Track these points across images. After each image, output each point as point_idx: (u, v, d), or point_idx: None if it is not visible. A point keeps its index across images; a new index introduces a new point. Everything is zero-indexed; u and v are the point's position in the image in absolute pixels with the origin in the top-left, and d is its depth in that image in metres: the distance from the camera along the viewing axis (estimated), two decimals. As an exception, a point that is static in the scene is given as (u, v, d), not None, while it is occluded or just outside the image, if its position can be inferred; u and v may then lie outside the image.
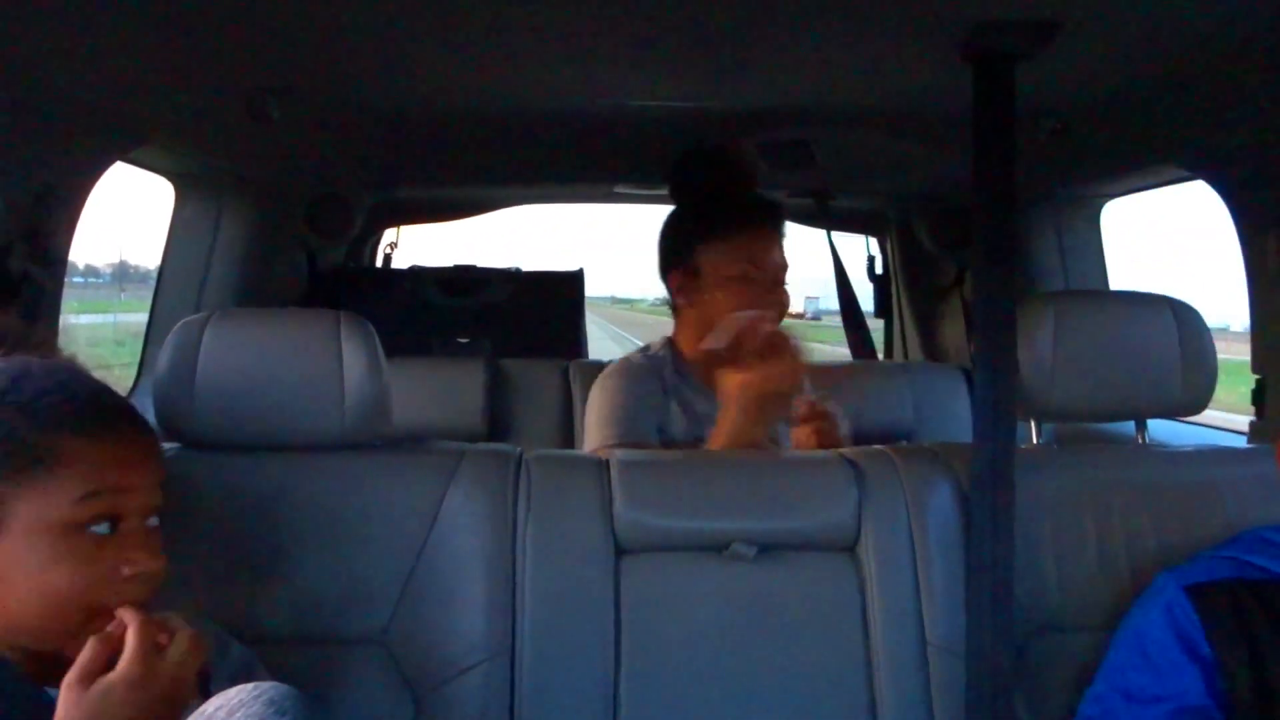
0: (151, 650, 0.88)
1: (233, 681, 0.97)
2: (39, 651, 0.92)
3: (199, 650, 0.92)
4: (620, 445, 1.60)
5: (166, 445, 1.27)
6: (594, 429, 1.68)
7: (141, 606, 0.92)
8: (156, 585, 0.95)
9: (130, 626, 0.88)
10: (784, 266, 1.68)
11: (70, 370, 1.00)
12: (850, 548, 1.31)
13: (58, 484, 0.90)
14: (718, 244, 1.66)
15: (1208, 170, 1.70)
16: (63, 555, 0.89)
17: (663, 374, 1.73)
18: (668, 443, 1.67)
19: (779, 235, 1.69)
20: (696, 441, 1.63)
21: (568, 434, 2.25)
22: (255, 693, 0.85)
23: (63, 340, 1.11)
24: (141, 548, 0.93)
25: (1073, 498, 1.33)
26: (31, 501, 0.89)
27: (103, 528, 0.91)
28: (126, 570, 0.92)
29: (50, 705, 0.87)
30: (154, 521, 0.97)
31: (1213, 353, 1.38)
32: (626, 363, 1.78)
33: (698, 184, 1.80)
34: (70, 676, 0.86)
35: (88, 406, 0.95)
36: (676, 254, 1.73)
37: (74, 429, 0.92)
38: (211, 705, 0.85)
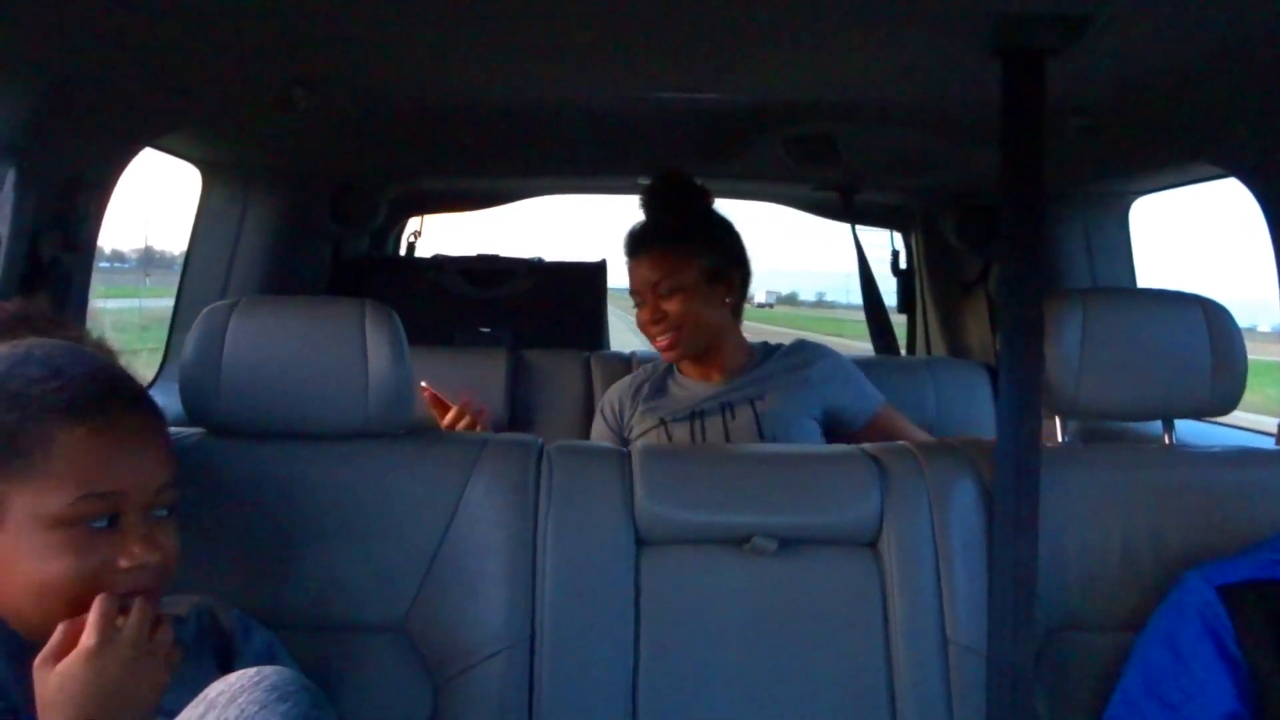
0: (110, 625, 0.87)
1: (256, 665, 0.98)
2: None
3: (163, 625, 0.92)
4: None
5: (190, 431, 1.28)
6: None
7: (150, 595, 0.92)
8: (164, 576, 0.95)
9: (94, 604, 0.88)
10: (649, 284, 1.82)
11: (72, 353, 0.97)
12: (872, 543, 1.30)
13: (53, 481, 0.89)
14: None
15: (1241, 168, 1.68)
16: (57, 549, 0.89)
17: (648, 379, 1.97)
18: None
19: (640, 258, 1.84)
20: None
21: (589, 425, 2.25)
22: (257, 678, 0.84)
23: (89, 325, 1.12)
24: (141, 540, 0.92)
25: (1098, 497, 1.32)
26: (26, 496, 0.89)
27: (101, 522, 0.91)
28: (123, 563, 0.91)
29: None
30: (162, 512, 0.96)
31: (1243, 353, 1.36)
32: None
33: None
34: (39, 657, 0.87)
35: (84, 396, 0.92)
36: None
37: (69, 420, 0.90)
38: (214, 690, 0.84)
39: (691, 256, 1.81)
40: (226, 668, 1.01)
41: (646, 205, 1.93)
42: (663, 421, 1.85)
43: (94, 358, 0.98)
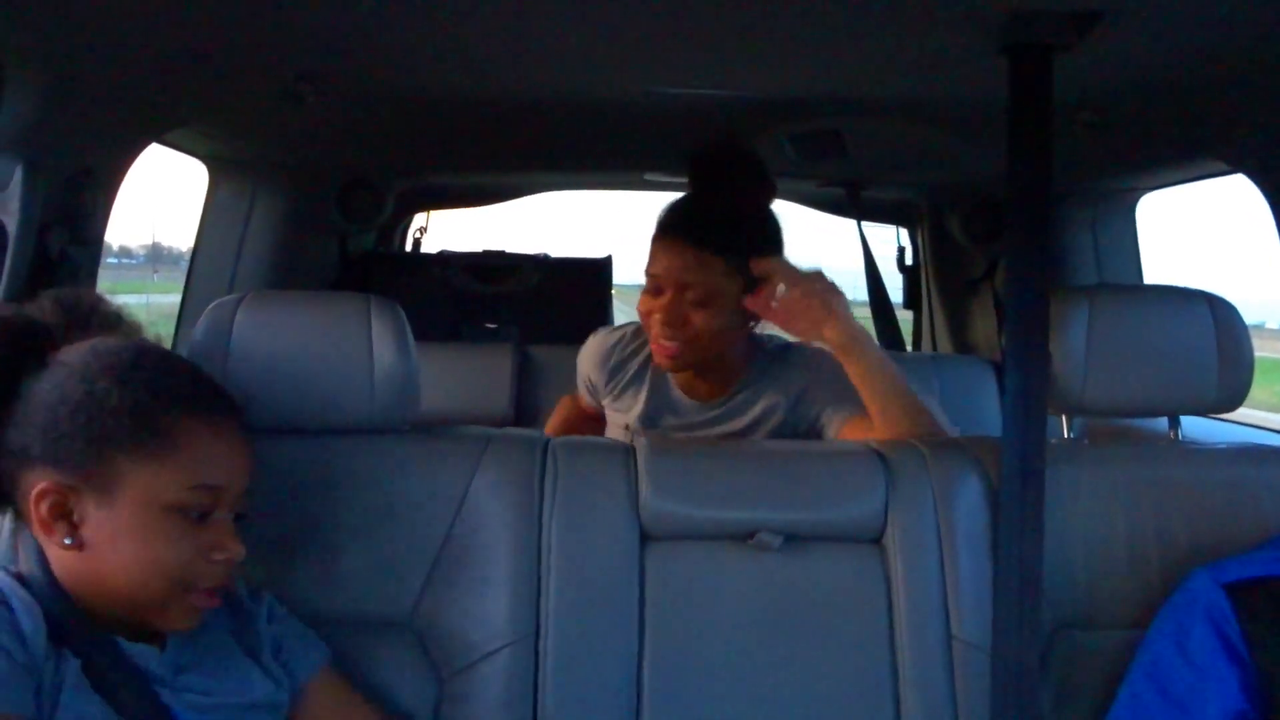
0: None
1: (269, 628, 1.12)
2: (127, 620, 0.97)
3: None
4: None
5: None
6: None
7: (222, 589, 1.01)
8: (233, 571, 1.02)
9: None
10: (678, 280, 1.54)
11: (178, 357, 1.06)
12: (876, 540, 1.30)
13: (171, 464, 0.94)
14: (652, 243, 1.61)
15: (1249, 164, 1.68)
16: (162, 532, 0.94)
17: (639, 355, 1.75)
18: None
19: (680, 246, 1.54)
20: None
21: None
22: None
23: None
24: (230, 535, 0.99)
25: (1104, 494, 1.31)
26: (143, 475, 0.94)
27: (198, 514, 0.97)
28: (217, 555, 0.97)
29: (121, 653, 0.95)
30: (232, 515, 1.02)
31: (1250, 349, 1.36)
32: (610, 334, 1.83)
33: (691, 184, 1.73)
34: None
35: (205, 393, 1.01)
36: None
37: (192, 411, 0.97)
38: None
39: (740, 267, 1.53)
40: (252, 650, 1.08)
41: (705, 179, 1.67)
42: (628, 428, 1.71)
43: (195, 363, 1.08)
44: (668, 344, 1.56)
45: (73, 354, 0.97)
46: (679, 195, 1.65)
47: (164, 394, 0.96)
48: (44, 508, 0.92)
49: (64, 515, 0.93)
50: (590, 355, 1.80)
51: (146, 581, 0.94)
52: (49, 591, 0.94)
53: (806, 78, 1.63)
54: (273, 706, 1.07)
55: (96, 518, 0.93)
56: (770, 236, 1.62)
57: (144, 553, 0.94)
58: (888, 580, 1.28)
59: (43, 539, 0.95)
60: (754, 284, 1.54)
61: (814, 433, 1.60)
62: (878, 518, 1.30)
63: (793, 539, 1.28)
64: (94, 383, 0.94)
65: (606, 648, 1.24)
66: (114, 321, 1.05)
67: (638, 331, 1.75)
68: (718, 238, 1.54)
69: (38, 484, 0.92)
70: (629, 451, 1.33)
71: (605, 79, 1.68)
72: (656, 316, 1.56)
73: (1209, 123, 1.64)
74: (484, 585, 1.25)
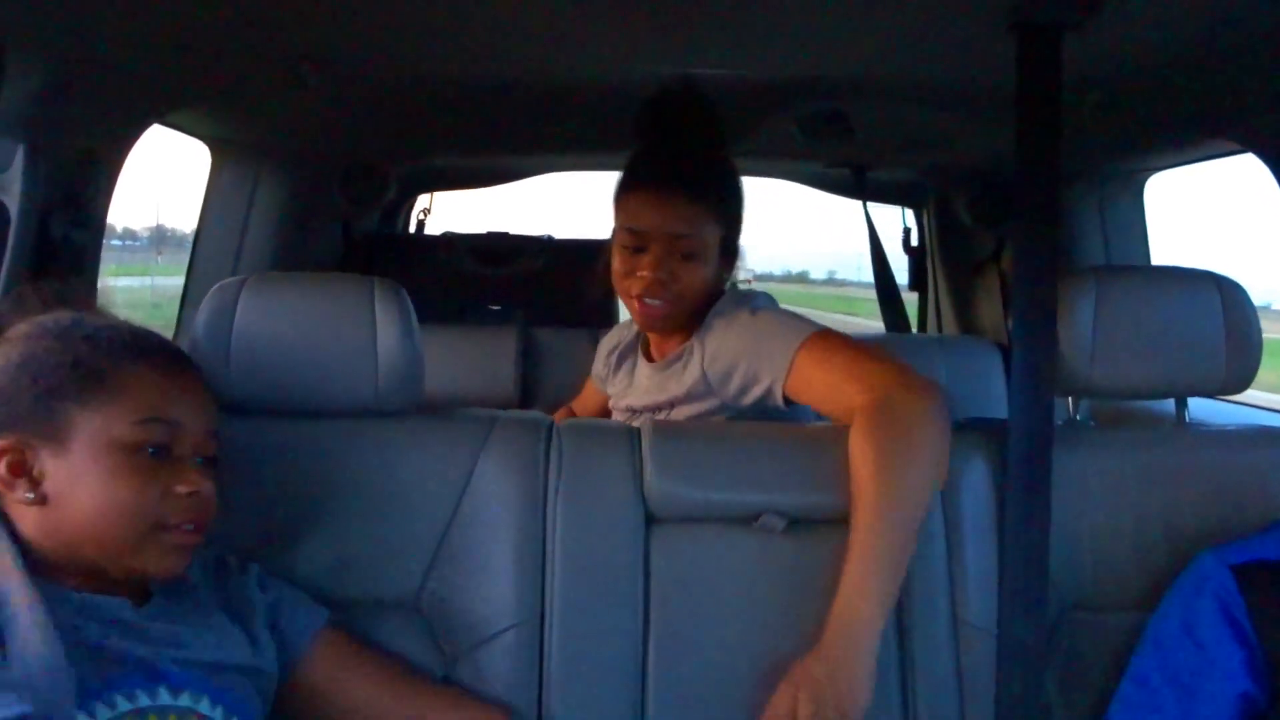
0: None
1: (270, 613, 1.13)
2: (102, 566, 0.98)
3: None
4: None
5: None
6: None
7: (199, 528, 1.02)
8: (211, 510, 1.03)
9: None
10: (668, 233, 1.45)
11: (126, 321, 1.07)
12: None
13: (119, 405, 0.97)
14: (620, 200, 1.52)
15: (1258, 144, 1.66)
16: (122, 471, 0.96)
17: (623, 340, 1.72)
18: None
19: (667, 196, 1.45)
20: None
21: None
22: None
23: (101, 303, 1.13)
24: (195, 470, 1.01)
25: (1110, 477, 1.31)
26: (94, 420, 0.96)
27: (158, 452, 0.99)
28: (181, 488, 0.99)
29: (76, 602, 0.95)
30: (201, 460, 1.03)
31: (1258, 331, 1.35)
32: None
33: (644, 132, 1.59)
34: None
35: (145, 341, 1.04)
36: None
37: (134, 357, 1.00)
38: None
39: (720, 218, 1.48)
40: (239, 616, 1.10)
41: (667, 125, 1.53)
42: (630, 410, 1.61)
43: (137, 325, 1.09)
44: (655, 303, 1.47)
45: (17, 328, 1.02)
46: (639, 147, 1.55)
47: (104, 344, 0.99)
48: (2, 467, 0.95)
49: (24, 473, 0.96)
50: (600, 348, 1.78)
51: (113, 524, 0.96)
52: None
53: (812, 58, 1.62)
54: (253, 671, 1.07)
55: (54, 469, 0.96)
56: (737, 183, 1.55)
57: (104, 494, 0.96)
58: None
59: (7, 500, 0.96)
60: (731, 236, 1.51)
61: (753, 399, 1.43)
62: None
63: (797, 522, 1.28)
64: (35, 343, 0.99)
65: (611, 629, 1.25)
66: (79, 308, 1.08)
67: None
68: (703, 186, 1.47)
69: None
70: (634, 434, 1.33)
71: (610, 60, 1.67)
72: (644, 275, 1.46)
73: (1218, 102, 1.62)
74: (489, 567, 1.25)
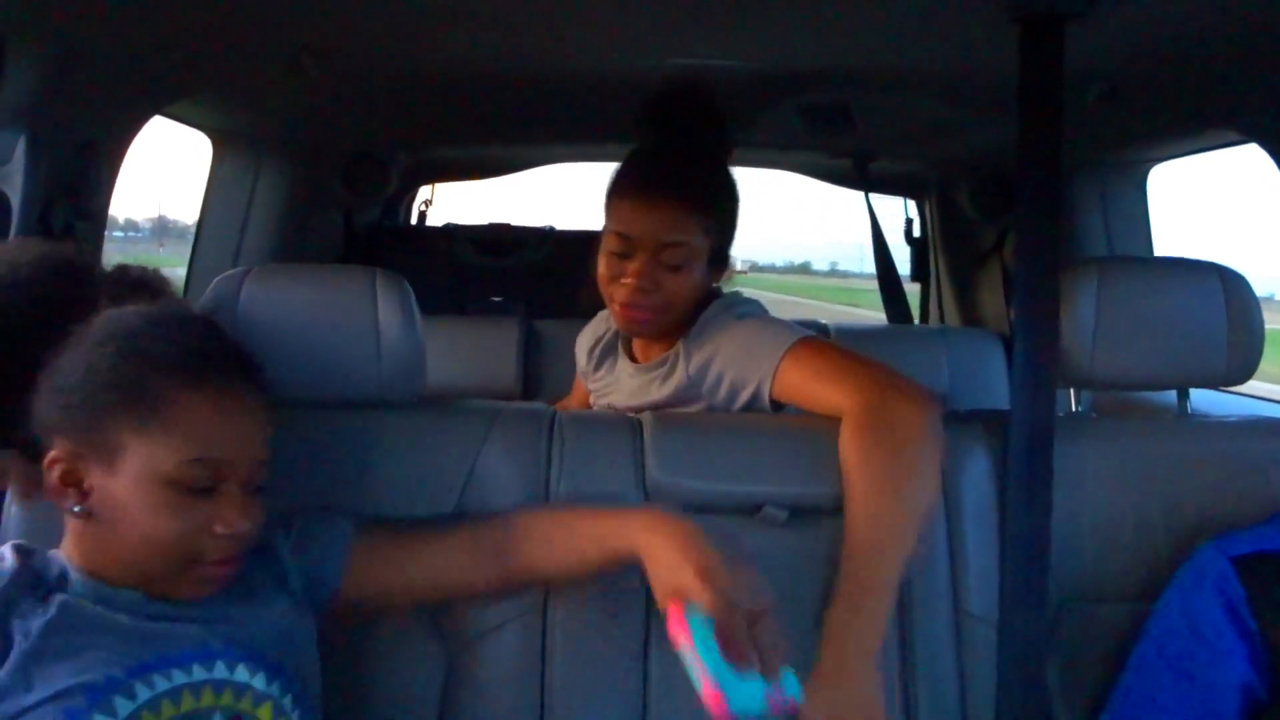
0: None
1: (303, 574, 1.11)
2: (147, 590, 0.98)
3: None
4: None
5: None
6: None
7: (232, 564, 1.00)
8: (250, 540, 1.01)
9: None
10: (655, 241, 1.39)
11: (204, 324, 1.04)
12: None
13: (170, 439, 0.94)
14: (609, 203, 1.46)
15: (1262, 134, 1.66)
16: (162, 505, 0.94)
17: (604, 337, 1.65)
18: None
19: (659, 203, 1.40)
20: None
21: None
22: None
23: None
24: (237, 509, 0.97)
25: (1112, 468, 1.31)
26: (143, 449, 0.94)
27: (201, 488, 0.96)
28: (219, 529, 0.96)
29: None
30: (253, 488, 1.01)
31: (1260, 322, 1.35)
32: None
33: (643, 131, 1.54)
34: None
35: (209, 364, 0.98)
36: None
37: (192, 384, 0.96)
38: None
39: (711, 227, 1.44)
40: (268, 566, 1.08)
41: (664, 126, 1.50)
42: (611, 409, 1.58)
43: (220, 330, 1.05)
44: (638, 311, 1.43)
45: (99, 321, 0.99)
46: (635, 147, 1.51)
47: (160, 365, 0.96)
48: (55, 474, 0.95)
49: (75, 482, 0.95)
50: (580, 342, 1.71)
51: (150, 554, 0.96)
52: (43, 559, 0.98)
53: (815, 49, 1.61)
54: (308, 637, 1.08)
55: (103, 486, 0.95)
56: (733, 190, 1.50)
57: (144, 525, 0.95)
58: None
59: (57, 506, 0.97)
60: (722, 245, 1.46)
61: (741, 404, 1.41)
62: None
63: (799, 513, 1.28)
64: (95, 351, 0.95)
65: (613, 621, 1.25)
66: (156, 292, 1.07)
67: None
68: (696, 194, 1.42)
69: (50, 451, 0.95)
70: (635, 425, 1.33)
71: (612, 50, 1.66)
72: (628, 282, 1.41)
73: (1221, 92, 1.62)
74: (491, 559, 1.25)
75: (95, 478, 0.95)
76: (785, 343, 1.35)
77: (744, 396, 1.39)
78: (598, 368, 1.66)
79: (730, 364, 1.40)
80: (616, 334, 1.62)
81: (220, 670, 0.97)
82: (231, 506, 0.97)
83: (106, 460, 0.94)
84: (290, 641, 1.05)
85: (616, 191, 1.45)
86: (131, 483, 0.94)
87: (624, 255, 1.42)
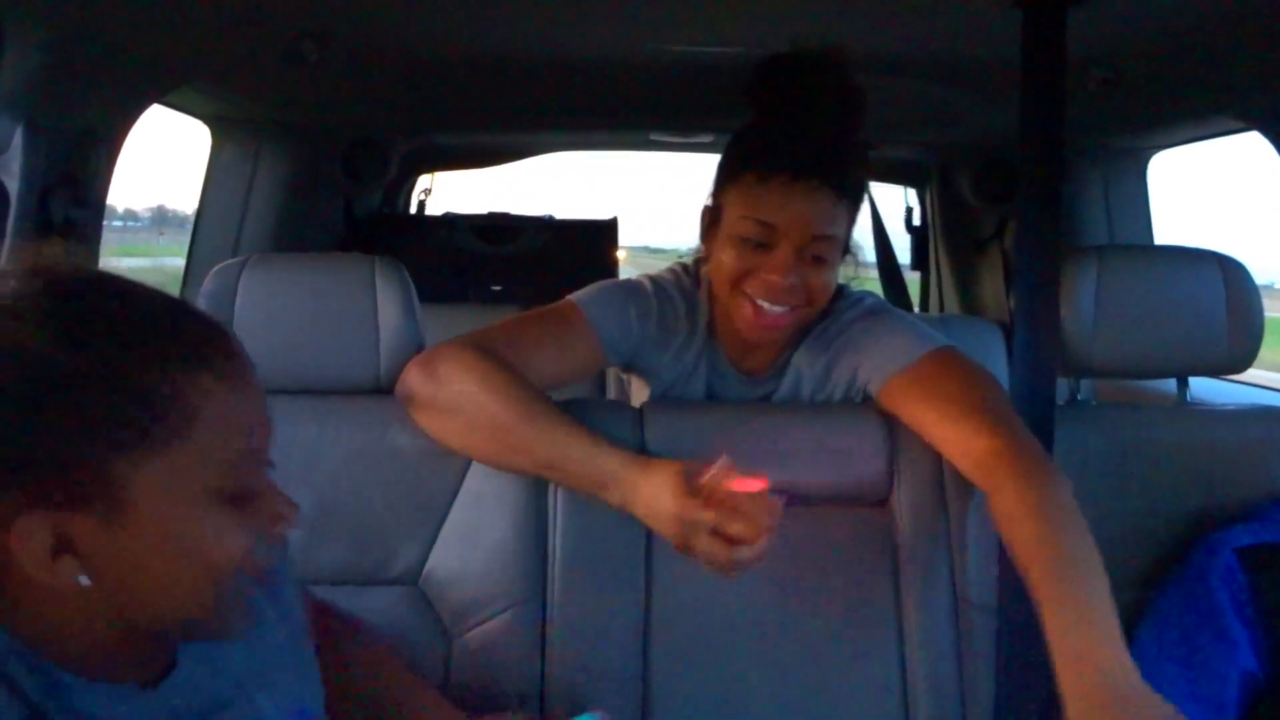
0: None
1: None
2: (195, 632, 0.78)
3: None
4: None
5: None
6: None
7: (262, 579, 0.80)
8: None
9: None
10: (805, 232, 1.22)
11: (176, 299, 0.75)
12: (882, 502, 1.30)
13: (192, 447, 0.68)
14: (739, 183, 1.25)
15: (1264, 121, 1.65)
16: (205, 531, 0.70)
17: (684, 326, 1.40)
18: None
19: (815, 190, 1.21)
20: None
21: (599, 381, 2.25)
22: None
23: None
24: (281, 497, 0.78)
25: (1112, 456, 1.31)
26: (156, 473, 0.67)
27: (247, 487, 0.74)
28: (273, 527, 0.77)
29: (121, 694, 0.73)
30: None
31: (1260, 310, 1.35)
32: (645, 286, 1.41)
33: (768, 101, 1.34)
34: None
35: (217, 343, 0.72)
36: (714, 184, 1.33)
37: (212, 371, 0.70)
38: None
39: (854, 214, 1.29)
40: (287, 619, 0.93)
41: (804, 100, 1.29)
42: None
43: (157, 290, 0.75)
44: (778, 310, 1.25)
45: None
46: (766, 121, 1.32)
47: (159, 355, 0.68)
48: (34, 548, 0.65)
49: (66, 549, 0.66)
50: (628, 318, 1.36)
51: (199, 592, 0.72)
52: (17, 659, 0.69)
53: (815, 34, 1.60)
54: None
55: (108, 541, 0.67)
56: (869, 173, 1.35)
57: (186, 562, 0.70)
58: (893, 542, 1.28)
59: (46, 587, 0.67)
60: (851, 230, 1.31)
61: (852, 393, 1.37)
62: (883, 480, 1.29)
63: (798, 501, 1.28)
64: (32, 350, 0.65)
65: (613, 607, 1.25)
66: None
67: (659, 288, 1.40)
68: (851, 181, 1.26)
69: (14, 520, 0.65)
70: (635, 413, 1.33)
71: (611, 36, 1.66)
72: (771, 278, 1.22)
73: (1223, 78, 1.61)
74: (490, 545, 1.25)
75: (93, 534, 0.66)
76: (924, 345, 1.29)
77: (841, 387, 1.37)
78: (676, 361, 1.40)
79: (843, 355, 1.34)
80: (695, 324, 1.39)
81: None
82: (275, 496, 0.77)
83: (105, 505, 0.66)
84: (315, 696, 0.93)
85: (751, 170, 1.24)
86: (151, 524, 0.68)
87: (761, 245, 1.23)
